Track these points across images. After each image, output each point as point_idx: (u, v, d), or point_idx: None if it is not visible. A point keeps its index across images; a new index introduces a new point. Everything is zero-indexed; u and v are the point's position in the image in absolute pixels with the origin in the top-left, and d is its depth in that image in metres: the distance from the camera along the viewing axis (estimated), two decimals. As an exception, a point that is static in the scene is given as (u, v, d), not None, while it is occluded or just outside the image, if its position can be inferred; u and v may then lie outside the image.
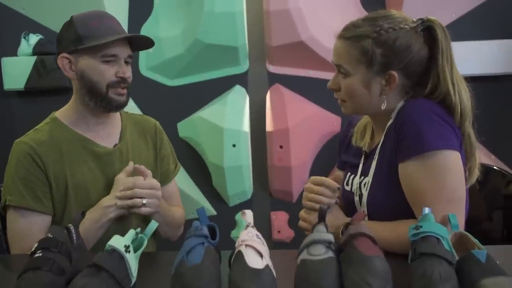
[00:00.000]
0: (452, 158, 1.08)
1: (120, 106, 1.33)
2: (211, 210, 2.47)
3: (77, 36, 1.26)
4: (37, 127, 1.36)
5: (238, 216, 2.45)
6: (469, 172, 1.18)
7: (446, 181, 1.07)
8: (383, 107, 1.17)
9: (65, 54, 1.29)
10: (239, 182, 2.35)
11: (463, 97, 1.13)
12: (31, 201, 1.27)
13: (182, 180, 2.37)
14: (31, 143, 1.29)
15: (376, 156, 1.20)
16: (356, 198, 1.24)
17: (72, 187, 1.30)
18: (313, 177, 1.20)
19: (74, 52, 1.28)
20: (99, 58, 1.27)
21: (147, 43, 1.37)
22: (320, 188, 1.18)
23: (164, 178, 1.48)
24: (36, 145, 1.29)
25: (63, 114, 1.38)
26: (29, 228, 1.26)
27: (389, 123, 1.18)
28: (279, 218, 2.48)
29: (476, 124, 1.17)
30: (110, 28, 1.29)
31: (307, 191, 1.20)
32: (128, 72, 1.31)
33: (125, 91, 1.32)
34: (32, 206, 1.27)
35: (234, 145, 2.26)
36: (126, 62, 1.33)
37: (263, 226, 2.50)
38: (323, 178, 1.18)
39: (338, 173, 1.42)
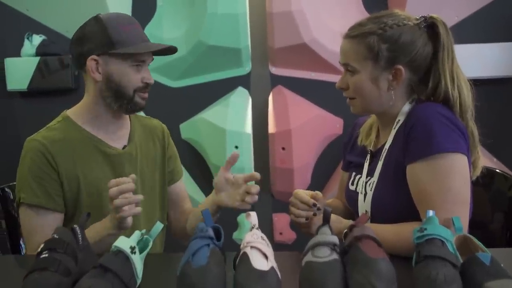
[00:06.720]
0: (460, 161, 1.10)
1: (142, 108, 1.37)
2: (213, 212, 2.46)
3: (110, 40, 1.27)
4: (49, 125, 1.36)
5: (240, 218, 2.45)
6: (473, 166, 1.19)
7: (451, 183, 1.08)
8: (391, 103, 1.19)
9: (94, 56, 1.29)
10: (241, 184, 2.35)
11: (463, 90, 1.15)
12: (43, 199, 1.27)
13: (184, 181, 2.37)
14: (43, 141, 1.29)
15: (382, 157, 1.21)
16: (361, 197, 1.25)
17: (84, 186, 1.31)
18: (295, 191, 1.23)
19: (103, 55, 1.29)
20: (129, 63, 1.29)
21: (168, 51, 1.37)
22: (297, 203, 1.20)
23: (171, 176, 1.51)
24: (48, 143, 1.29)
25: (75, 113, 1.38)
26: (42, 226, 1.26)
27: (398, 125, 1.20)
28: (281, 220, 2.48)
29: (478, 127, 1.18)
30: (138, 35, 1.32)
31: (290, 204, 1.23)
32: (152, 78, 1.34)
33: (147, 94, 1.35)
34: (44, 204, 1.27)
35: (236, 147, 2.26)
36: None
37: (265, 227, 2.49)
38: (301, 195, 1.20)
39: (343, 176, 1.42)
